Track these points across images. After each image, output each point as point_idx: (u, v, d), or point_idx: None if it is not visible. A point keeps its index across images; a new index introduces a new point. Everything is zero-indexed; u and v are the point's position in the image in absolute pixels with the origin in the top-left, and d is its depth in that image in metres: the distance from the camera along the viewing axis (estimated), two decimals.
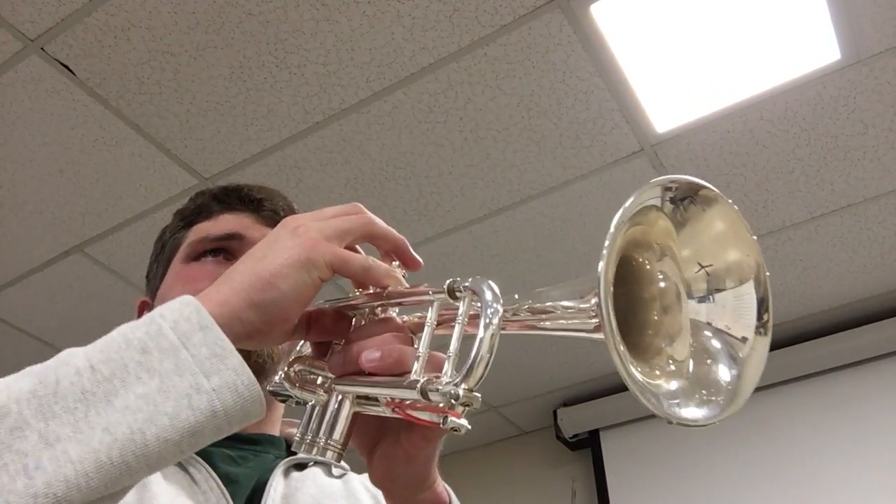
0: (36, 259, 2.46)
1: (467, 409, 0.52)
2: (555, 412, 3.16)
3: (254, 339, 0.56)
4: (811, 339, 2.74)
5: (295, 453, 0.89)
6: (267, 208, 0.93)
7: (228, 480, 0.79)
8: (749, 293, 0.55)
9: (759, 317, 0.55)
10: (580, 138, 2.07)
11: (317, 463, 0.89)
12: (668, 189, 0.53)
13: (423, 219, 2.33)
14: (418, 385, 0.53)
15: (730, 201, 0.54)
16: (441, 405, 0.52)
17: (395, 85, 1.93)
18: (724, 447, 2.79)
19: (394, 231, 0.64)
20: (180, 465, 0.78)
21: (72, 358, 0.50)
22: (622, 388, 3.07)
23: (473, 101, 1.97)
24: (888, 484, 2.48)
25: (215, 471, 0.78)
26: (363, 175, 2.17)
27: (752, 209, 2.28)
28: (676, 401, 0.52)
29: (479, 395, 0.51)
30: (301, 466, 0.87)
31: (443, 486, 0.69)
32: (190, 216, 0.96)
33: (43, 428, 0.47)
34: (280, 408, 0.93)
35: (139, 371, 0.49)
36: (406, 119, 2.02)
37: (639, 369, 0.51)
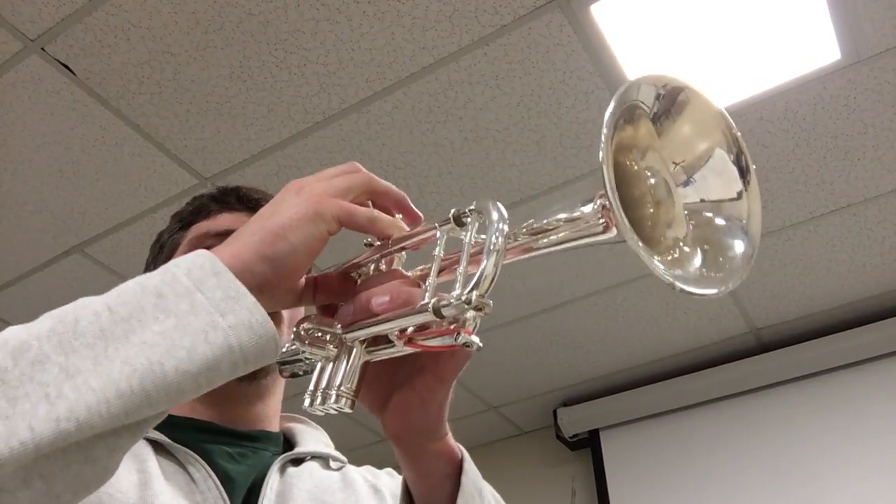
0: (36, 259, 2.46)
1: (477, 320, 0.53)
2: (555, 412, 3.16)
3: (264, 291, 0.56)
4: (811, 339, 2.74)
5: (291, 447, 0.89)
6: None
7: (226, 479, 0.79)
8: (720, 155, 0.59)
9: (739, 166, 0.59)
10: (580, 138, 2.07)
11: (315, 457, 0.89)
12: (659, 95, 0.56)
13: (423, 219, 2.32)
14: (430, 305, 0.53)
15: (697, 91, 0.58)
16: (453, 322, 0.53)
17: (396, 85, 1.93)
18: (724, 447, 2.79)
19: (394, 187, 0.66)
20: (180, 465, 0.78)
21: (89, 302, 0.52)
22: (622, 388, 3.09)
23: (473, 101, 1.97)
24: (888, 484, 2.48)
25: (214, 468, 0.79)
26: None
27: None
28: (703, 271, 0.55)
29: (490, 301, 0.52)
30: (297, 462, 0.87)
31: (455, 443, 0.71)
32: (188, 217, 0.96)
33: (63, 361, 0.48)
34: (277, 401, 0.93)
35: (156, 312, 0.51)
36: (406, 119, 2.02)
37: (658, 258, 0.54)
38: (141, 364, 0.48)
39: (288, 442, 0.91)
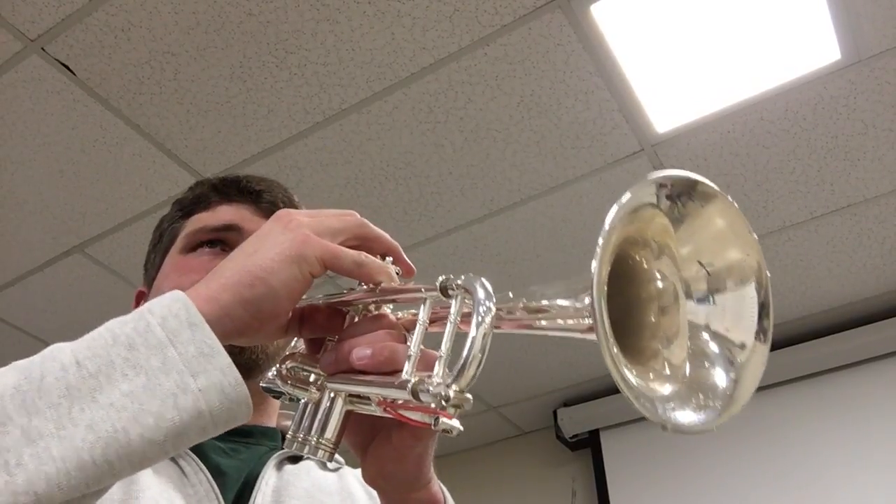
0: (36, 259, 2.46)
1: (458, 410, 0.51)
2: (555, 412, 3.15)
3: (245, 335, 0.55)
4: (811, 339, 2.74)
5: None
6: (266, 200, 0.92)
7: (218, 472, 0.78)
8: (750, 296, 0.53)
9: (760, 321, 0.53)
10: (580, 138, 2.07)
11: (312, 458, 0.89)
12: (662, 186, 0.51)
13: (422, 219, 2.33)
14: (409, 385, 0.52)
15: (729, 198, 0.52)
16: (432, 406, 0.51)
17: (396, 85, 1.93)
18: (724, 447, 2.79)
19: (387, 235, 0.64)
20: (171, 458, 0.77)
21: (58, 353, 0.50)
22: None
23: (474, 101, 1.97)
24: (888, 484, 2.48)
25: (206, 462, 0.78)
26: (363, 175, 2.17)
27: (752, 209, 2.28)
28: (671, 405, 0.50)
29: (470, 396, 0.51)
30: (295, 459, 0.87)
31: (438, 486, 0.69)
32: (188, 206, 0.95)
33: (26, 423, 0.46)
34: (276, 400, 0.93)
35: (125, 368, 0.49)
36: (406, 119, 2.02)
37: (633, 372, 0.50)
38: (105, 431, 0.47)
39: (285, 438, 0.91)
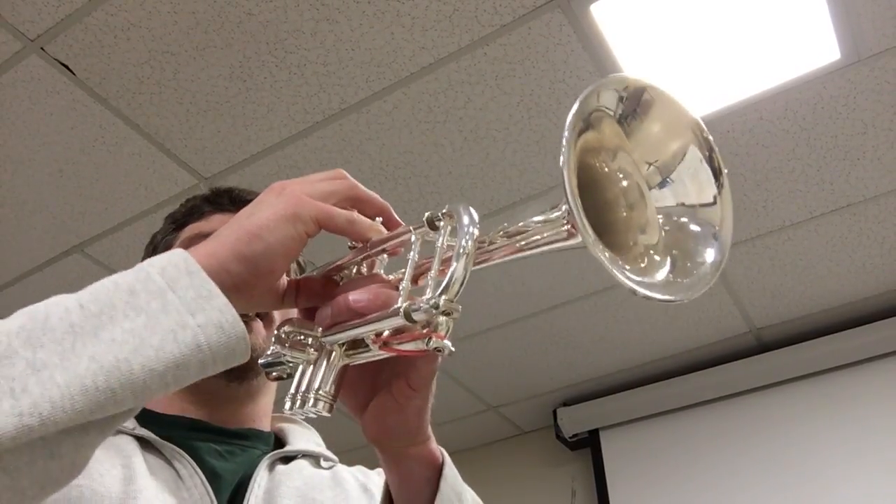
0: (36, 259, 2.46)
1: (449, 324, 0.53)
2: (554, 412, 3.16)
3: (241, 291, 0.57)
4: (811, 338, 2.74)
5: (282, 446, 0.89)
6: None
7: (213, 475, 0.79)
8: (696, 157, 0.58)
9: (712, 166, 0.57)
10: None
11: (305, 455, 0.89)
12: (621, 98, 0.56)
13: (422, 218, 2.32)
14: (401, 309, 0.54)
15: (665, 93, 0.57)
16: (424, 325, 0.54)
17: (395, 85, 1.93)
18: (724, 447, 2.79)
19: (377, 196, 0.66)
20: (166, 460, 0.78)
21: (61, 299, 0.52)
22: (622, 387, 3.09)
23: (473, 100, 1.97)
24: (888, 484, 2.48)
25: (201, 465, 0.79)
26: (363, 175, 2.17)
27: (752, 209, 2.28)
28: (671, 278, 0.55)
29: (459, 306, 0.53)
30: (287, 460, 0.87)
31: (437, 446, 0.71)
32: (181, 218, 0.97)
33: (30, 356, 0.48)
34: (269, 402, 0.94)
35: (126, 309, 0.51)
36: (406, 119, 2.02)
37: (622, 264, 0.53)
38: (108, 361, 0.48)
39: (279, 441, 0.92)
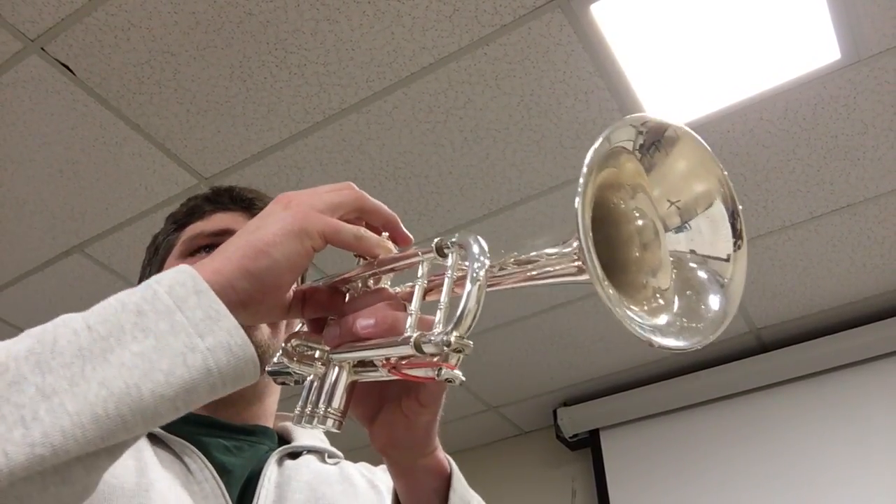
0: (36, 259, 2.46)
1: (460, 356, 0.53)
2: (555, 412, 3.16)
3: (248, 307, 0.56)
4: (811, 339, 2.74)
5: (288, 443, 0.90)
6: (258, 207, 0.94)
7: (223, 470, 0.79)
8: (720, 211, 0.57)
9: (734, 227, 0.57)
10: (580, 138, 2.07)
11: (311, 451, 0.90)
12: (640, 133, 0.55)
13: (422, 218, 2.33)
14: (411, 340, 0.54)
15: (692, 134, 0.56)
16: (434, 357, 0.53)
17: (396, 85, 1.93)
18: (724, 447, 2.79)
19: (385, 207, 0.65)
20: (176, 455, 0.78)
21: (69, 320, 0.52)
22: (622, 387, 3.09)
23: (473, 100, 1.97)
24: (888, 484, 2.48)
25: (211, 461, 0.79)
26: (363, 175, 2.17)
27: (752, 209, 2.28)
28: (672, 329, 0.53)
29: (470, 342, 0.52)
30: (295, 455, 0.88)
31: (444, 455, 0.71)
32: (182, 219, 0.97)
33: (40, 381, 0.47)
34: (274, 401, 0.94)
35: (135, 331, 0.50)
36: (406, 119, 2.02)
37: (627, 304, 0.53)
38: (118, 387, 0.48)
39: (283, 439, 0.92)
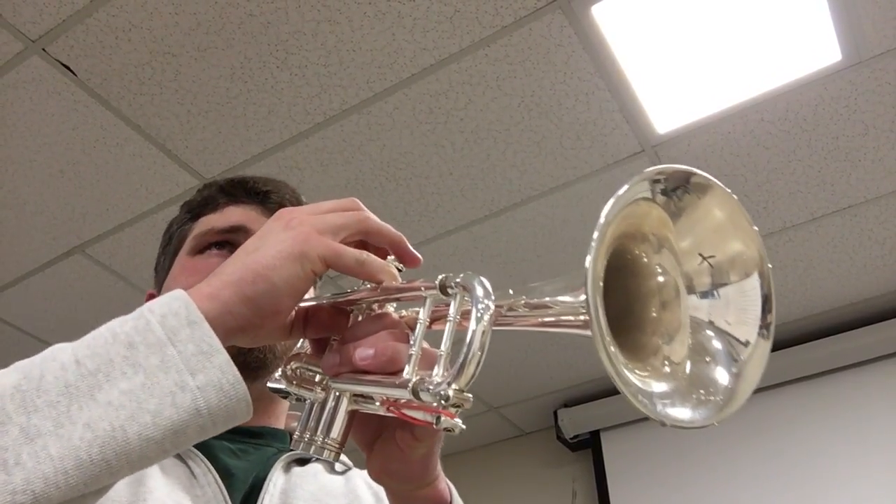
0: (37, 259, 2.46)
1: (459, 410, 0.51)
2: (555, 413, 3.15)
3: (247, 332, 0.55)
4: (812, 340, 2.74)
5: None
6: (273, 200, 0.93)
7: (227, 474, 0.78)
8: (753, 289, 0.52)
9: (763, 316, 0.52)
10: (581, 139, 2.07)
11: (319, 458, 0.89)
12: (656, 181, 0.50)
13: (423, 219, 2.33)
14: (409, 385, 0.52)
15: (726, 189, 0.51)
16: (433, 405, 0.51)
17: (396, 85, 1.93)
18: (725, 448, 2.79)
19: (391, 228, 0.63)
20: (180, 458, 0.78)
21: (58, 353, 0.50)
22: None
23: (474, 101, 1.97)
24: (888, 485, 2.48)
25: (215, 464, 0.78)
26: (364, 175, 2.17)
27: (752, 210, 2.28)
28: (670, 401, 0.49)
29: (470, 396, 0.51)
30: (303, 461, 0.87)
31: (445, 484, 0.69)
32: (196, 208, 0.96)
33: (24, 422, 0.46)
34: (284, 402, 0.93)
35: (124, 366, 0.49)
36: (407, 119, 2.02)
37: (631, 367, 0.50)
38: (103, 430, 0.47)
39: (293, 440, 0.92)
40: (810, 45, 1.84)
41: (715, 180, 0.51)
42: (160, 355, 0.49)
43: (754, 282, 0.52)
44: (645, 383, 0.50)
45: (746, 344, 0.52)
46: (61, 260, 2.46)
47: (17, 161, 2.11)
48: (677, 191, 0.51)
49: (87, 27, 1.77)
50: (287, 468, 0.84)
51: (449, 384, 0.50)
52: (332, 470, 0.90)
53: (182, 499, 0.74)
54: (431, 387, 0.51)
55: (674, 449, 2.90)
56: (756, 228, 0.52)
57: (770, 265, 0.52)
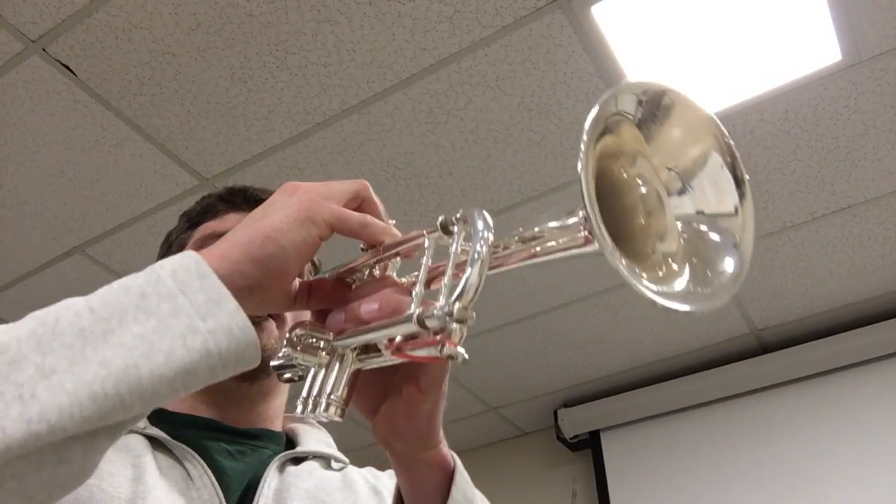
0: (37, 259, 2.46)
1: (463, 331, 0.52)
2: (555, 413, 3.15)
3: (254, 293, 0.56)
4: (812, 340, 2.74)
5: (293, 447, 0.89)
6: None
7: (222, 475, 0.79)
8: (717, 163, 0.57)
9: (735, 175, 0.56)
10: (581, 139, 2.07)
11: (316, 456, 0.89)
12: (640, 101, 0.54)
13: (423, 220, 2.33)
14: (414, 316, 0.54)
15: (681, 94, 0.56)
16: (437, 332, 0.52)
17: (396, 86, 1.93)
18: (725, 448, 2.79)
19: (381, 206, 0.65)
20: (177, 460, 0.78)
21: (72, 304, 0.52)
22: (623, 388, 3.08)
23: (474, 101, 1.97)
24: (888, 485, 2.48)
25: (211, 465, 0.79)
26: (364, 176, 2.16)
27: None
28: (693, 292, 0.53)
29: (473, 313, 0.52)
30: (298, 461, 0.87)
31: (448, 451, 0.71)
32: (196, 217, 0.97)
33: (40, 361, 0.48)
34: (281, 403, 0.94)
35: (137, 313, 0.51)
36: (407, 120, 2.02)
37: (640, 271, 0.53)
38: (117, 367, 0.48)
39: (290, 442, 0.91)
40: (810, 45, 1.85)
41: (678, 93, 0.56)
42: (171, 303, 0.51)
43: (716, 159, 0.57)
44: (657, 284, 0.53)
45: (736, 212, 0.56)
46: (61, 260, 2.46)
47: (17, 161, 2.12)
48: (651, 118, 0.55)
49: (87, 27, 1.77)
50: (282, 468, 0.84)
51: (451, 304, 0.52)
52: (328, 466, 0.90)
53: (178, 501, 0.74)
54: (436, 311, 0.52)
55: (674, 449, 2.91)
56: (706, 113, 0.57)
57: (726, 132, 0.57)
